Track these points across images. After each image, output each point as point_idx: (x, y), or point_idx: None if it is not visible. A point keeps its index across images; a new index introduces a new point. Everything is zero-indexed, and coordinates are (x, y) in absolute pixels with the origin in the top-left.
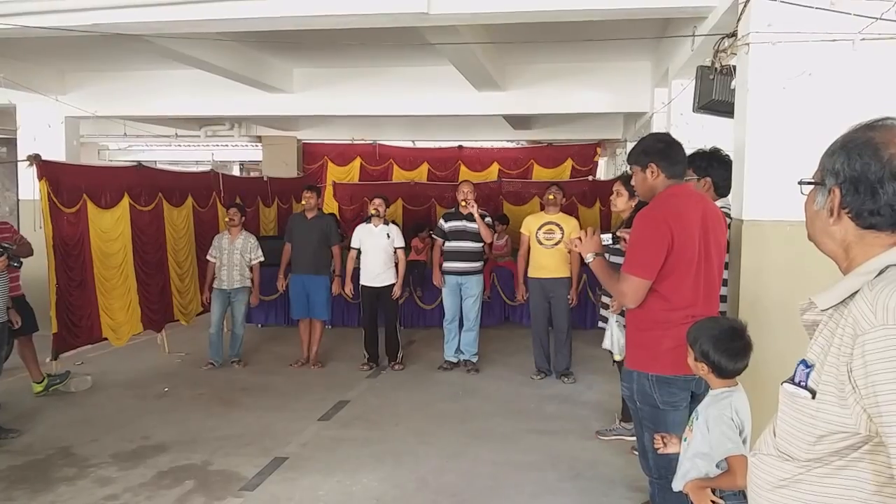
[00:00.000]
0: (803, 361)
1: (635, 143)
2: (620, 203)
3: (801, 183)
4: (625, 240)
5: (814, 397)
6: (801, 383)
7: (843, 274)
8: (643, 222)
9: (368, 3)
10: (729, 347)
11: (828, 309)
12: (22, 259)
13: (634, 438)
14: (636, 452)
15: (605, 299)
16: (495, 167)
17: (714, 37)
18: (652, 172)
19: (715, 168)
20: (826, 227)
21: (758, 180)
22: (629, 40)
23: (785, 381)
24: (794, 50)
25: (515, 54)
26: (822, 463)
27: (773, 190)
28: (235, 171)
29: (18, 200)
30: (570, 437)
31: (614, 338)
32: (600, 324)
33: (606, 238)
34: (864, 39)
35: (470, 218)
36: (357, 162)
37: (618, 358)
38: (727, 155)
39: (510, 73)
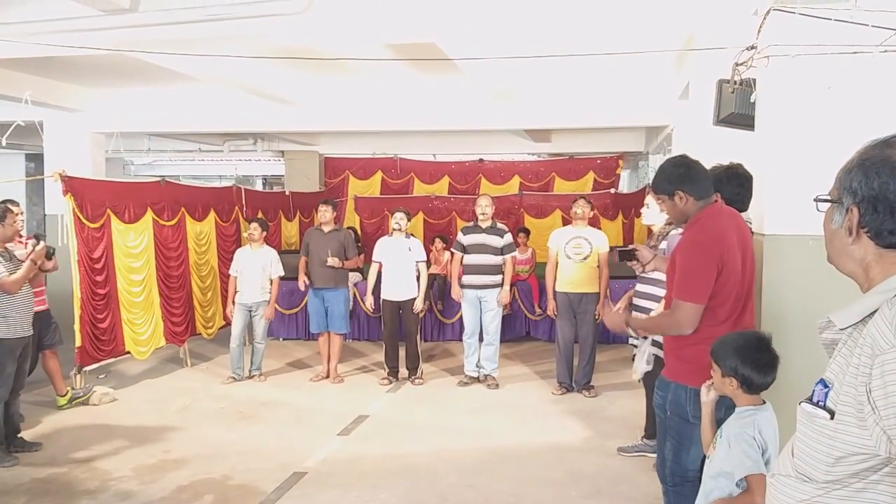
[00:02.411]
0: (822, 381)
1: (656, 171)
2: (650, 216)
3: (817, 200)
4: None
5: (832, 417)
6: (820, 403)
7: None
8: (693, 249)
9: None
10: (757, 360)
11: (846, 328)
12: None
13: (657, 455)
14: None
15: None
16: (516, 180)
17: (737, 50)
18: (680, 199)
19: (724, 184)
20: (845, 247)
21: (778, 194)
22: (651, 53)
23: (803, 401)
24: (813, 63)
25: (535, 67)
26: (842, 485)
27: (793, 204)
28: (258, 186)
29: (45, 215)
30: (592, 454)
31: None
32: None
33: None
34: (884, 52)
35: (489, 231)
36: (378, 176)
37: (636, 377)
38: (744, 171)
39: (529, 86)
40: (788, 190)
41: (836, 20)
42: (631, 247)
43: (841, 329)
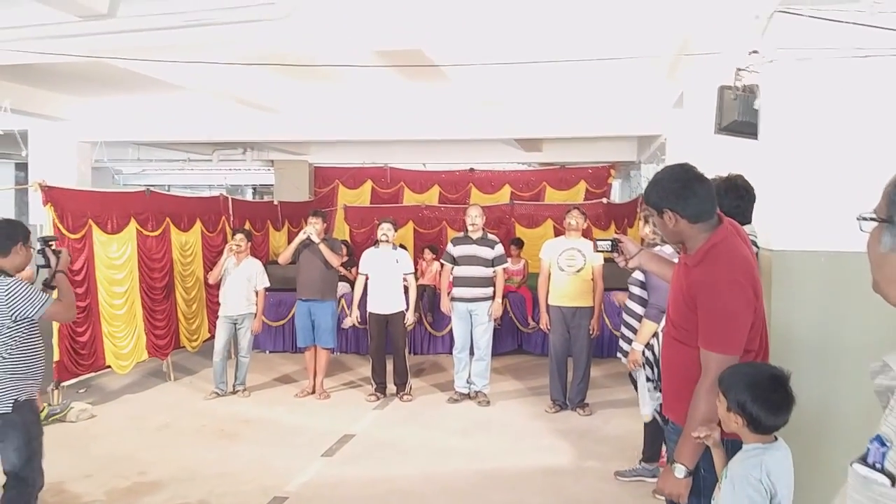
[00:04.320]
0: (878, 438)
1: (652, 177)
2: (648, 230)
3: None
4: (622, 252)
5: (894, 483)
6: (877, 465)
7: None
8: (728, 290)
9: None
10: (770, 399)
11: None
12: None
13: (656, 480)
14: (658, 497)
15: (624, 331)
16: (507, 189)
17: (735, 55)
18: (670, 219)
19: (723, 197)
20: None
21: (787, 207)
22: (644, 59)
23: (856, 461)
24: (821, 67)
25: (525, 75)
26: None
27: (804, 217)
28: (248, 196)
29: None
30: (588, 478)
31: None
32: (622, 358)
33: (605, 245)
34: None
35: (480, 242)
36: (368, 185)
37: (646, 419)
38: (743, 182)
39: (519, 95)
40: (798, 202)
41: (851, 23)
42: (615, 236)
43: None
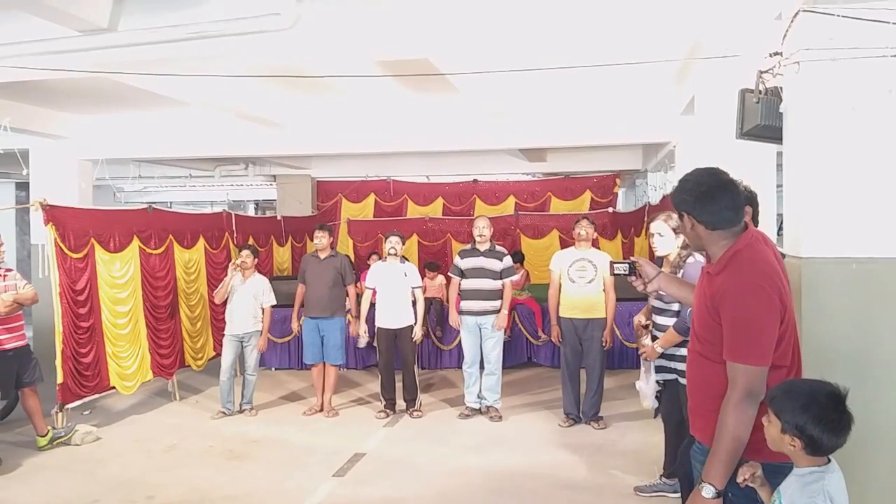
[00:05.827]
0: None
1: (682, 176)
2: (664, 245)
3: None
4: (640, 276)
5: None
6: None
7: None
8: (752, 296)
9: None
10: (831, 420)
11: None
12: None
13: (677, 496)
14: None
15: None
16: (511, 200)
17: (753, 58)
18: (687, 223)
19: None
20: None
21: (816, 213)
22: (653, 64)
23: None
24: (851, 68)
25: (531, 84)
26: None
27: (834, 223)
28: (251, 211)
29: (31, 245)
30: (606, 495)
31: (649, 387)
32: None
33: (622, 268)
34: None
35: (488, 254)
36: (371, 198)
37: (647, 406)
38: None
39: (525, 105)
40: (827, 207)
41: (883, 21)
42: (631, 259)
43: None
